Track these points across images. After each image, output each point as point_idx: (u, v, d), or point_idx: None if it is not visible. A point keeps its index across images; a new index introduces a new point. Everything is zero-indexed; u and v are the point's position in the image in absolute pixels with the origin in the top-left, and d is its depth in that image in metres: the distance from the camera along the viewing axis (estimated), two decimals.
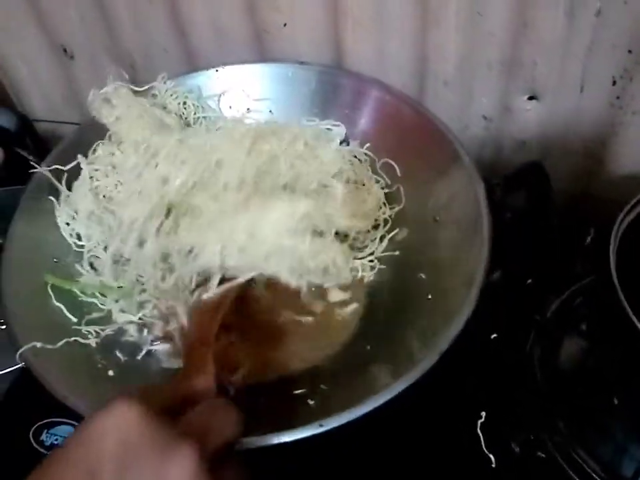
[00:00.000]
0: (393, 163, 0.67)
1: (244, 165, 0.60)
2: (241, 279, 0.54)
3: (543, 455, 0.53)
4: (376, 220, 0.65)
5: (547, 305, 0.62)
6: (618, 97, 0.64)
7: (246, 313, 0.58)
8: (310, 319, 0.59)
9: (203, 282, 0.56)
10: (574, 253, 0.65)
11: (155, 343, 0.58)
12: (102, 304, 0.59)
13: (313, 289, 0.58)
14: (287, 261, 0.54)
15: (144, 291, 0.60)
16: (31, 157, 0.75)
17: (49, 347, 0.53)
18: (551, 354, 0.59)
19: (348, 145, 0.70)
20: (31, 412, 0.58)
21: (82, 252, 0.63)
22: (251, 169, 0.60)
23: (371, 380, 0.50)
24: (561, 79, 0.65)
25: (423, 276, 0.58)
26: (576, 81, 0.65)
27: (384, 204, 0.66)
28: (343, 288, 0.60)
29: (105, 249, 0.62)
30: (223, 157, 0.61)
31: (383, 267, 0.62)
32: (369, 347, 0.55)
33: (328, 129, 0.70)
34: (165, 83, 0.71)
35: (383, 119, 0.69)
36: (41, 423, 0.57)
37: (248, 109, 0.73)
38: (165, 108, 0.70)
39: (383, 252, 0.63)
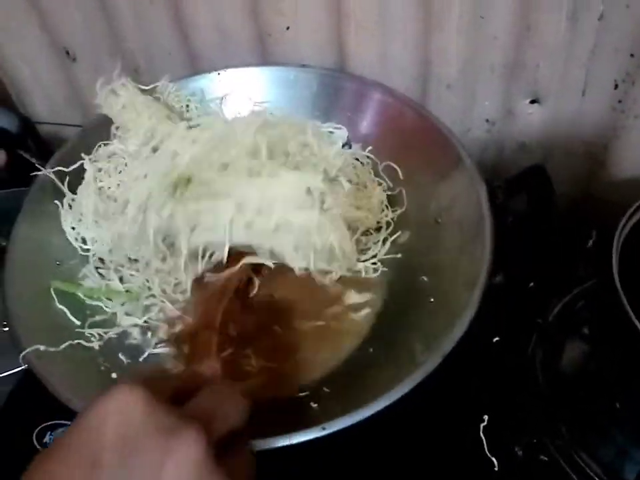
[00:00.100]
0: (395, 166, 0.67)
1: (254, 141, 0.60)
2: (246, 261, 0.54)
3: (546, 459, 0.53)
4: (378, 222, 0.65)
5: (549, 308, 0.62)
6: (620, 101, 0.64)
7: (259, 323, 0.58)
8: (322, 324, 0.58)
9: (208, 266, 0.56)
10: (576, 256, 0.65)
11: (159, 346, 0.58)
12: (107, 307, 0.60)
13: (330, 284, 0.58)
14: (293, 237, 0.54)
15: (152, 295, 0.60)
16: (33, 159, 0.75)
17: (52, 349, 0.53)
18: (553, 357, 0.59)
19: (350, 147, 0.70)
20: (34, 414, 0.58)
21: (86, 255, 0.63)
22: (261, 142, 0.60)
23: (374, 383, 0.49)
24: (564, 82, 0.65)
25: (425, 279, 0.58)
26: (578, 85, 0.65)
27: (386, 206, 0.66)
28: (360, 290, 0.60)
29: (111, 251, 0.62)
30: (233, 136, 0.61)
31: (385, 269, 0.62)
32: (371, 350, 0.55)
33: (330, 131, 0.71)
34: (167, 87, 0.71)
35: (385, 121, 0.69)
36: (44, 425, 0.57)
37: (250, 111, 0.73)
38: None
39: (385, 254, 0.63)
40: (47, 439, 0.56)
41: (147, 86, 0.70)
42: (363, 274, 0.61)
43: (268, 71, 0.73)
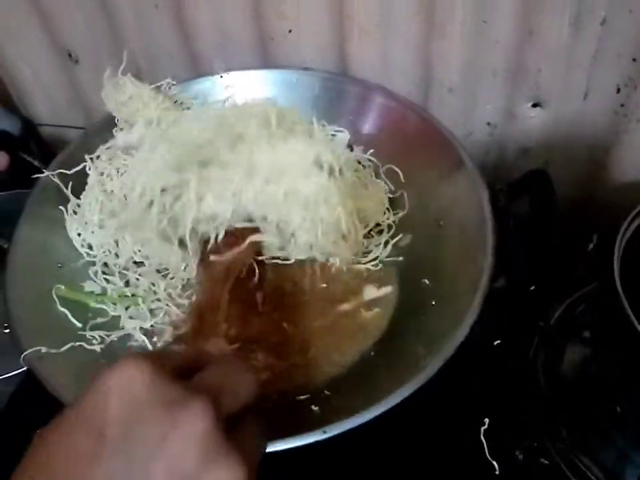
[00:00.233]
0: (397, 169, 0.67)
1: (264, 110, 0.61)
2: (252, 239, 0.54)
3: (546, 462, 0.53)
4: (380, 225, 0.65)
5: (550, 312, 0.62)
6: (622, 105, 0.64)
7: (268, 319, 0.58)
8: (332, 321, 0.58)
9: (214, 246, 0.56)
10: (577, 259, 0.65)
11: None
12: (112, 311, 0.60)
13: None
14: (301, 207, 0.55)
15: (158, 299, 0.60)
16: (35, 162, 0.75)
17: (53, 351, 0.53)
18: (554, 361, 0.58)
19: (352, 150, 0.70)
20: (35, 415, 0.57)
21: (87, 259, 0.63)
22: (271, 113, 0.61)
23: (375, 386, 0.50)
24: (565, 86, 0.65)
25: (427, 282, 0.58)
26: (580, 89, 0.65)
27: (388, 209, 0.66)
28: (378, 284, 0.60)
29: (117, 255, 0.62)
30: (242, 112, 0.62)
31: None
32: (373, 353, 0.55)
33: (332, 134, 0.71)
34: (169, 88, 0.71)
35: (387, 125, 0.69)
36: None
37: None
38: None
39: (386, 257, 0.63)
40: None
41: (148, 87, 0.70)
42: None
43: (270, 73, 0.73)
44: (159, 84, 0.70)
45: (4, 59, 0.87)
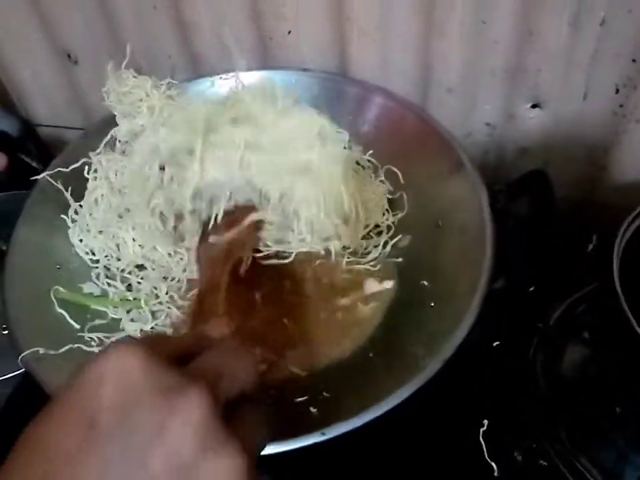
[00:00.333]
0: (396, 170, 0.67)
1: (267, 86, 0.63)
2: (252, 217, 0.54)
3: (545, 463, 0.53)
4: (379, 226, 0.65)
5: (549, 313, 0.62)
6: (621, 105, 0.64)
7: (267, 314, 0.58)
8: (331, 316, 0.58)
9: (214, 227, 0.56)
10: (577, 260, 0.65)
11: None
12: (113, 314, 0.60)
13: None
14: (304, 178, 0.55)
15: (160, 302, 0.60)
16: (34, 163, 0.75)
17: (52, 352, 0.53)
18: (554, 361, 0.58)
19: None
20: (33, 417, 0.57)
21: (86, 261, 0.63)
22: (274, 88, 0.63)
23: (374, 388, 0.49)
24: (565, 86, 0.65)
25: (426, 283, 0.58)
26: (579, 89, 0.65)
27: (387, 210, 0.66)
28: (380, 279, 0.60)
29: (119, 260, 0.62)
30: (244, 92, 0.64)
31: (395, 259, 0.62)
32: (371, 354, 0.55)
33: None
34: (170, 88, 0.71)
35: (386, 125, 0.69)
36: None
37: None
38: None
39: (386, 258, 0.62)
40: None
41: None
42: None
43: (269, 74, 0.73)
44: (160, 83, 0.70)
45: (3, 60, 0.86)
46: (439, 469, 0.53)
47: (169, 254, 0.62)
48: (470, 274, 0.53)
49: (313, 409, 0.50)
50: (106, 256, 0.63)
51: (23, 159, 0.77)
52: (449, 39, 0.66)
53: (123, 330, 0.58)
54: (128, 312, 0.60)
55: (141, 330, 0.58)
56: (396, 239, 0.63)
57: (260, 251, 0.61)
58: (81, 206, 0.64)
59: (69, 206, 0.64)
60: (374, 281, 0.60)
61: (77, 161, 0.64)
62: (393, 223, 0.65)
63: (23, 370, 0.55)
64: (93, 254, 0.63)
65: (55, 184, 0.64)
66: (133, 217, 0.61)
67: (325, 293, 0.59)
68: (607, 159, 0.70)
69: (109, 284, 0.62)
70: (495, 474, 0.52)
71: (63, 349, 0.54)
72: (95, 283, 0.62)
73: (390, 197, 0.67)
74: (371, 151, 0.68)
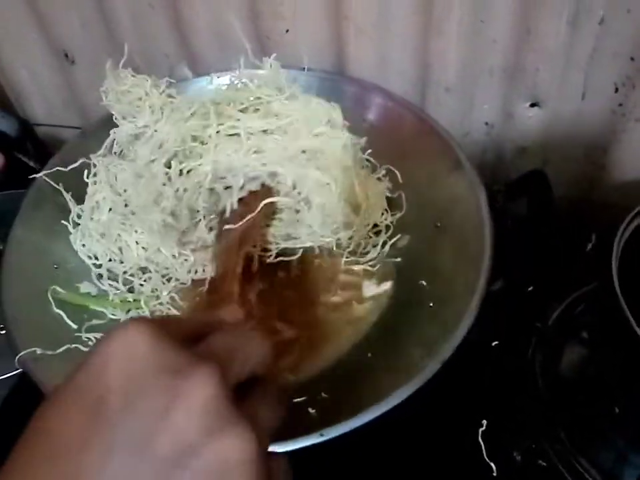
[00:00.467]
0: (395, 170, 0.67)
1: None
2: (266, 201, 0.54)
3: (544, 464, 0.53)
4: (377, 226, 0.65)
5: (548, 312, 0.62)
6: (620, 104, 0.64)
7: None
8: (328, 317, 0.58)
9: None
10: (575, 259, 0.65)
11: None
12: (113, 315, 0.60)
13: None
14: (318, 164, 0.56)
15: (160, 304, 0.60)
16: (31, 162, 0.75)
17: (49, 352, 0.53)
18: (552, 361, 0.58)
19: None
20: (30, 418, 0.57)
21: (85, 260, 0.63)
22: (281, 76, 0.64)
23: (372, 388, 0.49)
24: (563, 85, 0.65)
25: (424, 283, 0.58)
26: (578, 88, 0.65)
27: (385, 210, 0.66)
28: (378, 280, 0.60)
29: (122, 262, 0.62)
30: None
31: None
32: (370, 355, 0.55)
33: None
34: (168, 88, 0.70)
35: (385, 125, 0.69)
36: None
37: None
38: None
39: (385, 258, 0.62)
40: None
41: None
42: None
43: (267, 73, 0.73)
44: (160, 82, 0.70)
45: (0, 60, 0.86)
46: (438, 469, 0.53)
47: (174, 255, 0.61)
48: (469, 274, 0.53)
49: (311, 410, 0.50)
50: (109, 260, 0.63)
51: (21, 159, 0.77)
52: (447, 38, 0.65)
53: None
54: (127, 312, 0.60)
55: None
56: (395, 239, 0.63)
57: (267, 250, 0.61)
58: (82, 210, 0.64)
59: (66, 205, 0.64)
60: (372, 284, 0.60)
61: (75, 161, 0.64)
62: (392, 222, 0.65)
63: (20, 370, 0.55)
64: (96, 258, 0.63)
65: (52, 183, 0.63)
66: (139, 218, 0.61)
67: (321, 291, 0.59)
68: (605, 158, 0.70)
69: (110, 285, 0.62)
70: (494, 474, 0.52)
71: (61, 350, 0.53)
72: (93, 282, 0.62)
73: (389, 195, 0.66)
74: (369, 150, 0.68)
